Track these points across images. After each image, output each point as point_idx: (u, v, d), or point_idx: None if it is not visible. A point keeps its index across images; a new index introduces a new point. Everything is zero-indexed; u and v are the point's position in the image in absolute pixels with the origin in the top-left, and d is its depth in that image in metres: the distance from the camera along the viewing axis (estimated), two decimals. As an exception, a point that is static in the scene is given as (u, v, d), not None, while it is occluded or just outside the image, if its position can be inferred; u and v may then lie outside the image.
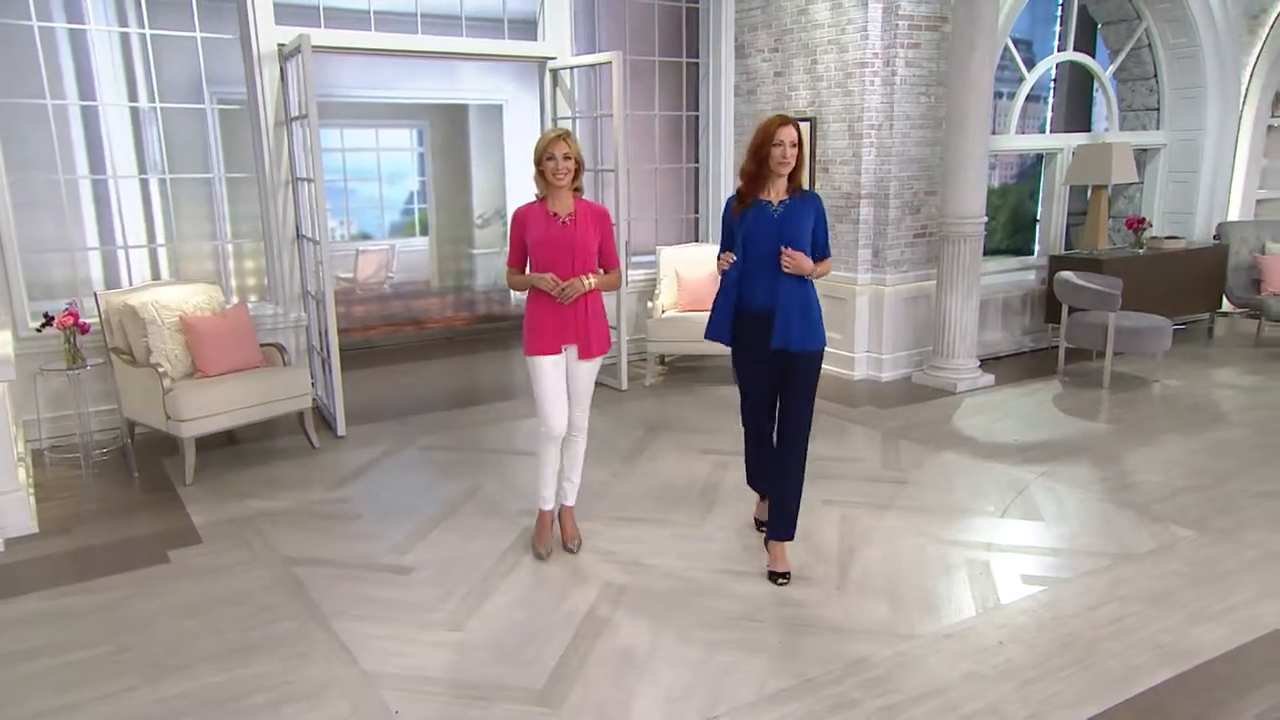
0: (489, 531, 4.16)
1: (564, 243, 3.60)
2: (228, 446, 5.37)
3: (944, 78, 6.40)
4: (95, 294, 5.16)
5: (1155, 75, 8.20)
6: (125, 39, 7.16)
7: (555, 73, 6.65)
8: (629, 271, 7.01)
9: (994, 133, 6.85)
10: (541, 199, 3.66)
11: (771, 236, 3.45)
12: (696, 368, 7.07)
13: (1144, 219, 7.75)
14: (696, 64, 7.56)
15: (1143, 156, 8.30)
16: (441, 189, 11.46)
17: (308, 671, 3.05)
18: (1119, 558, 3.84)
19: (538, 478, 3.88)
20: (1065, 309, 6.80)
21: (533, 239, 3.63)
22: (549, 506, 3.92)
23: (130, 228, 7.05)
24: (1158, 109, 8.30)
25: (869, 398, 6.30)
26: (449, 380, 7.29)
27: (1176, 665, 3.04)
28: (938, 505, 4.42)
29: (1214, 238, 8.15)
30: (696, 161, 7.78)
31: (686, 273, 6.79)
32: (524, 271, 3.73)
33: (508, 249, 3.76)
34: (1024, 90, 7.39)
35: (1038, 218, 8.16)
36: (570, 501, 3.98)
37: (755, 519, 4.11)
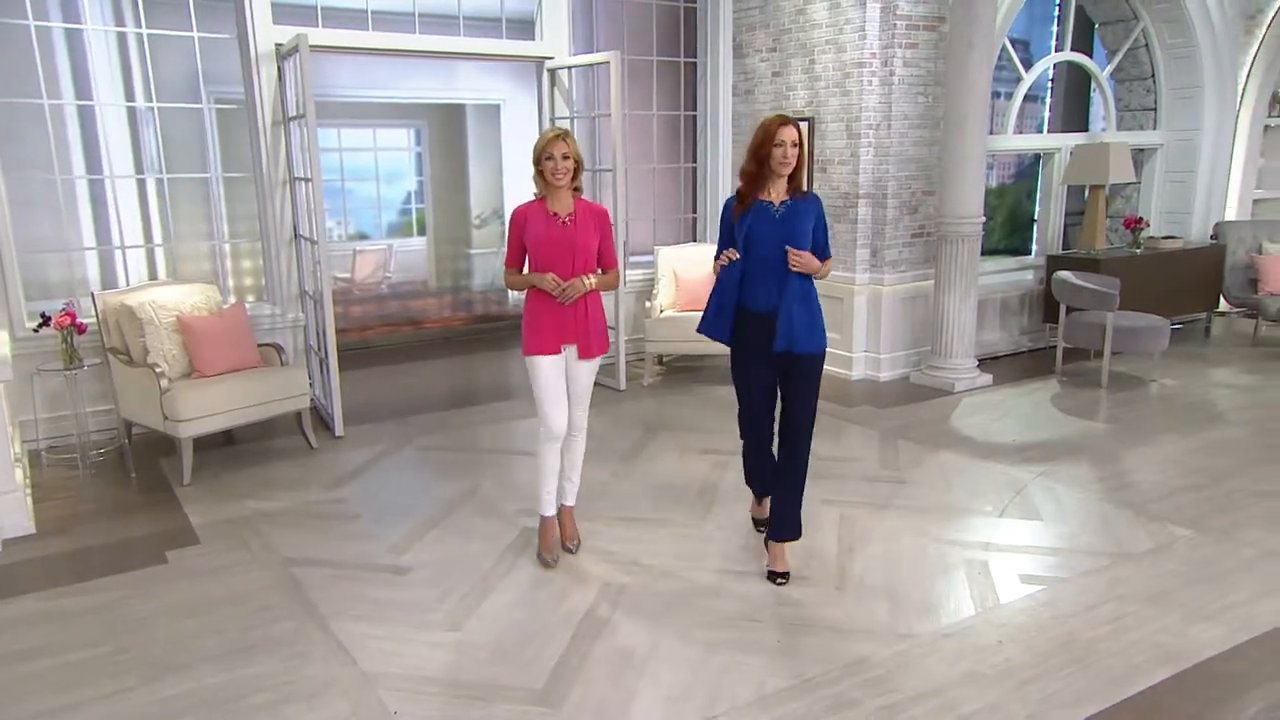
0: (487, 531, 4.16)
1: (565, 243, 3.59)
2: (225, 447, 5.36)
3: (942, 78, 6.41)
4: (92, 294, 5.15)
5: (1152, 75, 8.22)
6: (122, 38, 7.14)
7: (553, 72, 6.64)
8: (627, 271, 7.01)
9: (992, 133, 6.85)
10: (541, 198, 3.65)
11: (775, 238, 3.44)
12: (695, 367, 7.07)
13: (1141, 219, 7.76)
14: (694, 64, 7.56)
15: (1140, 156, 8.32)
16: (439, 189, 11.45)
17: (307, 672, 3.05)
18: (1117, 557, 3.85)
19: (538, 482, 3.85)
20: (1063, 309, 6.81)
21: (533, 239, 3.62)
22: (551, 512, 3.88)
23: (127, 228, 7.03)
24: (1155, 109, 8.31)
25: (867, 397, 6.31)
26: (447, 380, 7.28)
27: (1175, 664, 3.05)
28: (936, 505, 4.42)
29: (1211, 237, 8.16)
30: (694, 161, 7.78)
31: (684, 273, 6.79)
32: (521, 271, 3.72)
33: (506, 248, 3.76)
34: (1021, 90, 7.40)
35: (1035, 218, 8.17)
36: (570, 501, 3.97)
37: (753, 518, 4.11)
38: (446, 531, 4.18)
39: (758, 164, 3.44)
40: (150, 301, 4.98)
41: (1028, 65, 7.55)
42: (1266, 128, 8.61)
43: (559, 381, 3.71)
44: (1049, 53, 7.93)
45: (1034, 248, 8.11)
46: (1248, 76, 8.24)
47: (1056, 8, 8.07)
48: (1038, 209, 8.12)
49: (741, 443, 3.87)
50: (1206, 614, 3.37)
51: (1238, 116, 8.32)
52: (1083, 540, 4.03)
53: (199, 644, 3.21)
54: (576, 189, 3.66)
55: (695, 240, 7.71)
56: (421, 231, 11.66)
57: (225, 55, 5.96)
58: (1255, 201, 8.78)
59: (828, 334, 3.69)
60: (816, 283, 3.57)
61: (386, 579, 3.72)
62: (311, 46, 5.15)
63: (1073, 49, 7.82)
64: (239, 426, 5.15)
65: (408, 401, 6.33)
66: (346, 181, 11.17)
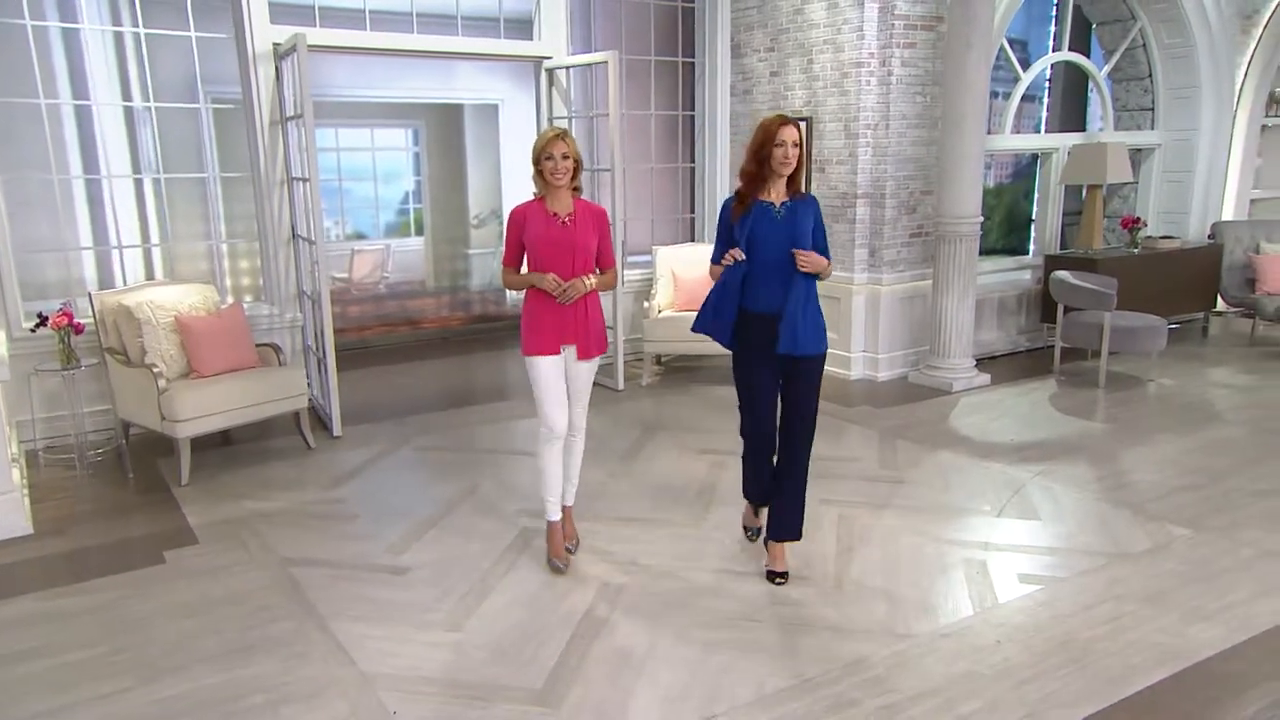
0: (486, 532, 4.15)
1: (565, 243, 3.58)
2: (223, 447, 5.36)
3: (940, 77, 6.41)
4: (90, 294, 5.14)
5: (1150, 75, 8.23)
6: (119, 38, 7.13)
7: (551, 72, 6.64)
8: (625, 271, 7.01)
9: (989, 132, 6.85)
10: (540, 198, 3.65)
11: (779, 239, 3.41)
12: (693, 367, 7.07)
13: (1139, 219, 7.77)
14: (692, 64, 7.56)
15: (1137, 156, 8.32)
16: (437, 189, 11.44)
17: (305, 672, 3.04)
18: (1115, 557, 3.85)
19: (541, 485, 3.80)
20: (1061, 308, 6.82)
21: (532, 239, 3.61)
22: (557, 517, 3.84)
23: (124, 227, 7.03)
24: (1152, 109, 8.32)
25: (865, 397, 6.31)
26: (445, 380, 7.27)
27: (1173, 664, 3.05)
28: (935, 505, 4.42)
29: (1209, 237, 8.17)
30: (692, 161, 7.78)
31: (683, 273, 6.78)
32: (520, 271, 3.71)
33: (504, 248, 3.75)
34: (1019, 90, 7.41)
35: (1033, 217, 8.18)
36: (569, 501, 3.95)
37: (744, 525, 4.04)
38: (445, 531, 4.17)
39: (758, 164, 3.42)
40: (148, 301, 4.98)
41: (1025, 65, 7.56)
42: (1264, 128, 8.63)
43: (559, 381, 3.70)
44: (1046, 53, 7.93)
45: (1032, 248, 8.12)
46: (1245, 76, 8.26)
47: (1054, 8, 8.08)
48: (1035, 209, 8.13)
49: (743, 446, 3.79)
50: (1204, 614, 3.37)
51: (1235, 116, 8.33)
52: (1081, 540, 4.03)
53: (197, 644, 3.21)
54: (576, 189, 3.65)
55: (693, 240, 7.71)
56: (419, 231, 11.64)
57: (222, 55, 5.95)
58: (1252, 201, 8.80)
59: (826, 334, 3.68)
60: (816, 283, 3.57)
61: (385, 579, 3.71)
62: (309, 46, 5.14)
63: (1070, 49, 7.83)
64: (237, 427, 5.14)
65: (406, 401, 6.33)
66: (344, 181, 11.16)
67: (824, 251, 3.51)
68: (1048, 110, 9.67)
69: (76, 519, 4.36)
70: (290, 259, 5.95)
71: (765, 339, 3.45)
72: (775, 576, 3.62)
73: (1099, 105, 8.33)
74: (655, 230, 7.70)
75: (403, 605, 3.49)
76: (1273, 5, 8.02)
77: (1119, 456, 5.12)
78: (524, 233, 3.63)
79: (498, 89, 10.33)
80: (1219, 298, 8.05)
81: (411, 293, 10.99)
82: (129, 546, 4.05)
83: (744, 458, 3.80)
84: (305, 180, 5.36)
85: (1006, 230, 10.04)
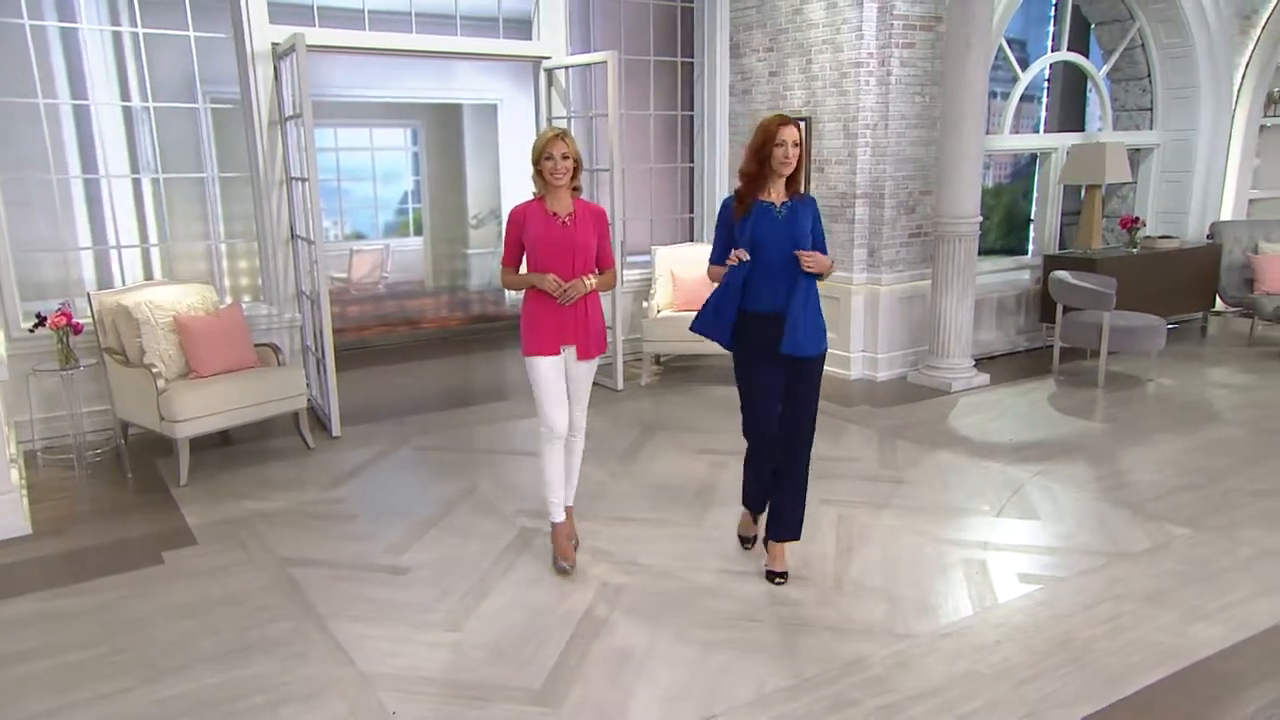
0: (486, 532, 4.15)
1: (565, 243, 3.58)
2: (222, 447, 5.35)
3: (939, 77, 6.41)
4: (88, 294, 5.13)
5: (1148, 75, 8.23)
6: (117, 38, 7.12)
7: (550, 72, 6.64)
8: (623, 271, 7.01)
9: (988, 133, 6.86)
10: (539, 198, 3.65)
11: (781, 239, 3.40)
12: (691, 367, 7.07)
13: (1138, 218, 7.78)
14: (691, 64, 7.56)
15: (1136, 156, 8.33)
16: (436, 189, 11.44)
17: (305, 672, 3.04)
18: (1114, 556, 3.85)
19: (544, 487, 3.79)
20: (1060, 308, 6.82)
21: (533, 239, 3.60)
22: (561, 518, 3.82)
23: (123, 227, 7.02)
24: (1151, 109, 8.33)
25: (864, 397, 6.31)
26: (444, 380, 7.27)
27: (1172, 663, 3.05)
28: (934, 504, 4.42)
29: (1207, 237, 8.17)
30: (691, 161, 7.78)
31: (682, 272, 6.78)
32: (518, 270, 3.71)
33: (502, 248, 3.75)
34: (1018, 90, 7.41)
35: (1032, 217, 8.19)
36: (569, 501, 3.93)
37: (740, 535, 3.98)
38: (444, 531, 4.17)
39: (759, 164, 3.41)
40: (146, 301, 4.97)
41: (1024, 65, 7.56)
42: (1262, 128, 8.64)
43: (559, 382, 3.69)
44: (1045, 53, 7.94)
45: (1030, 247, 8.12)
46: (1243, 76, 8.26)
47: (1053, 8, 8.09)
48: (1034, 209, 8.13)
49: (745, 449, 3.72)
50: (1204, 613, 3.38)
51: (1233, 116, 8.34)
52: (1080, 539, 4.03)
53: (196, 645, 3.21)
54: (576, 189, 3.65)
55: (692, 240, 7.71)
56: (418, 231, 11.64)
57: (221, 55, 5.94)
58: (1251, 201, 8.80)
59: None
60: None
61: (384, 579, 3.71)
62: (308, 46, 5.13)
63: (1069, 49, 7.83)
64: (236, 427, 5.14)
65: (405, 401, 6.32)
66: (343, 181, 11.15)
67: (823, 251, 3.52)
68: (1046, 110, 9.67)
69: (75, 519, 4.36)
70: (289, 259, 5.94)
71: (767, 339, 3.44)
72: (775, 576, 3.62)
73: (1098, 105, 8.34)
74: (654, 230, 7.70)
75: (402, 605, 3.49)
76: (1271, 5, 8.02)
77: (1118, 456, 5.13)
78: (524, 233, 3.62)
79: (497, 89, 10.33)
80: (1218, 297, 8.06)
81: (410, 293, 10.99)
82: (128, 547, 4.04)
83: (746, 460, 3.77)
84: (304, 180, 5.35)
85: (1005, 230, 10.05)
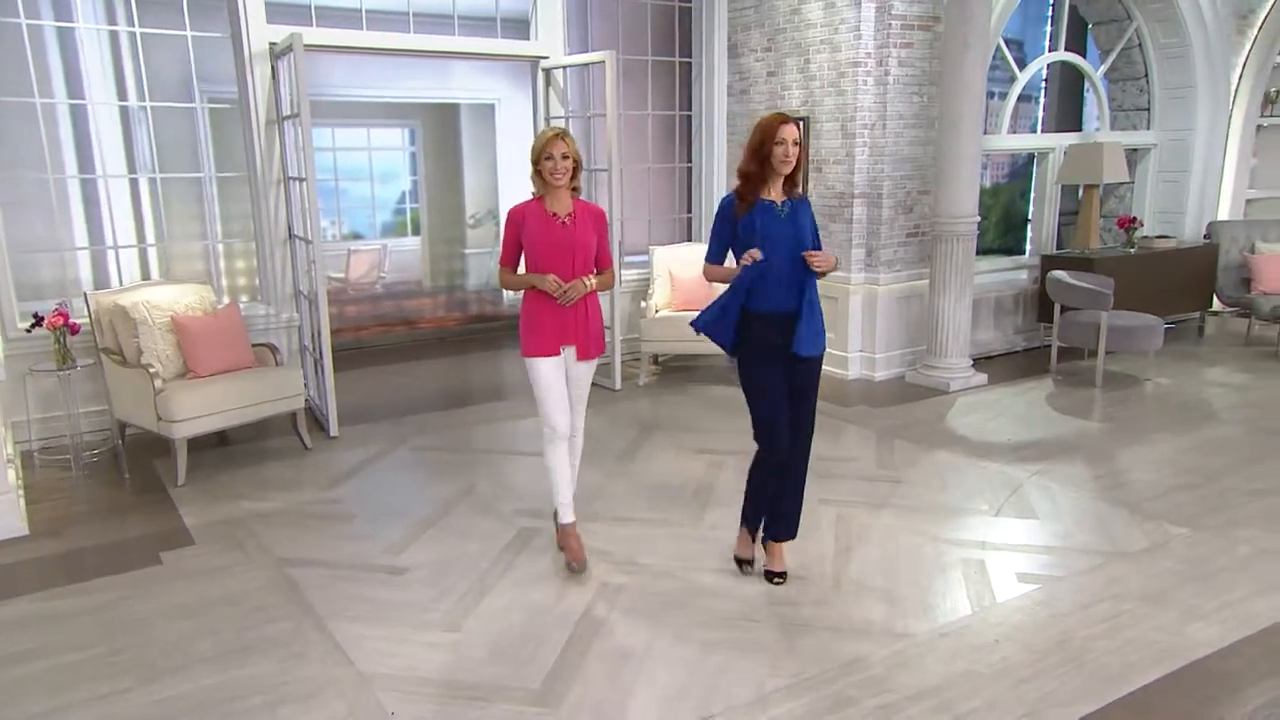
0: (484, 531, 4.15)
1: (565, 243, 3.58)
2: (220, 447, 5.34)
3: (937, 77, 6.42)
4: (85, 294, 5.12)
5: (1146, 75, 8.24)
6: (114, 37, 7.11)
7: (548, 72, 6.63)
8: (621, 271, 7.00)
9: (986, 132, 6.86)
10: (539, 198, 3.64)
11: (787, 238, 3.37)
12: (690, 367, 7.07)
13: (1135, 218, 7.79)
14: (689, 63, 7.56)
15: (1133, 156, 8.34)
16: (433, 189, 11.43)
17: (303, 672, 3.04)
18: (1112, 556, 3.86)
19: (553, 488, 3.77)
20: (1057, 308, 6.83)
21: (532, 239, 3.59)
22: (571, 519, 3.79)
23: (120, 227, 7.00)
24: (1148, 109, 8.34)
25: (863, 397, 6.31)
26: (442, 380, 7.27)
27: (1170, 662, 3.05)
28: (932, 504, 4.42)
29: (1204, 237, 8.19)
30: (689, 161, 7.78)
31: (680, 272, 6.78)
32: (516, 270, 3.70)
33: (501, 248, 3.74)
34: (1016, 90, 7.42)
35: (1029, 217, 8.19)
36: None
37: (737, 557, 3.77)
38: (443, 531, 4.17)
39: (759, 163, 3.38)
40: (144, 301, 4.96)
41: (1022, 65, 7.57)
42: (1259, 127, 8.65)
43: (559, 382, 3.69)
44: (1043, 53, 7.95)
45: (1028, 247, 8.13)
46: (1240, 76, 8.27)
47: (1050, 8, 8.09)
48: (1032, 209, 8.14)
49: (746, 449, 3.63)
50: (1202, 612, 3.38)
51: (1230, 116, 8.35)
52: (1078, 539, 4.04)
53: (194, 645, 3.20)
54: (575, 189, 3.65)
55: (690, 240, 7.71)
56: (416, 231, 11.64)
57: (219, 54, 5.93)
58: (1248, 201, 8.81)
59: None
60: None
61: (383, 579, 3.71)
62: (306, 46, 5.13)
63: (1066, 49, 7.84)
64: (233, 427, 5.13)
65: (403, 402, 6.32)
66: (341, 181, 11.15)
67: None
68: (1044, 110, 9.69)
69: (72, 520, 4.35)
70: (287, 259, 5.94)
71: (770, 340, 3.42)
72: (774, 576, 3.62)
73: (1095, 105, 8.34)
74: (652, 230, 7.70)
75: (400, 605, 3.49)
76: (1268, 5, 8.03)
77: (1116, 456, 5.13)
78: (523, 233, 3.62)
79: (494, 89, 10.33)
80: (1215, 297, 8.07)
81: (408, 293, 10.98)
82: (125, 547, 4.04)
83: (754, 467, 3.60)
84: (302, 180, 5.35)
85: (1003, 230, 10.06)
